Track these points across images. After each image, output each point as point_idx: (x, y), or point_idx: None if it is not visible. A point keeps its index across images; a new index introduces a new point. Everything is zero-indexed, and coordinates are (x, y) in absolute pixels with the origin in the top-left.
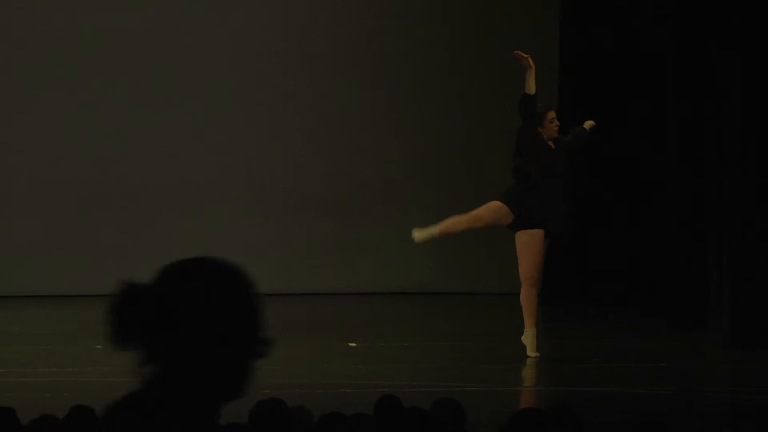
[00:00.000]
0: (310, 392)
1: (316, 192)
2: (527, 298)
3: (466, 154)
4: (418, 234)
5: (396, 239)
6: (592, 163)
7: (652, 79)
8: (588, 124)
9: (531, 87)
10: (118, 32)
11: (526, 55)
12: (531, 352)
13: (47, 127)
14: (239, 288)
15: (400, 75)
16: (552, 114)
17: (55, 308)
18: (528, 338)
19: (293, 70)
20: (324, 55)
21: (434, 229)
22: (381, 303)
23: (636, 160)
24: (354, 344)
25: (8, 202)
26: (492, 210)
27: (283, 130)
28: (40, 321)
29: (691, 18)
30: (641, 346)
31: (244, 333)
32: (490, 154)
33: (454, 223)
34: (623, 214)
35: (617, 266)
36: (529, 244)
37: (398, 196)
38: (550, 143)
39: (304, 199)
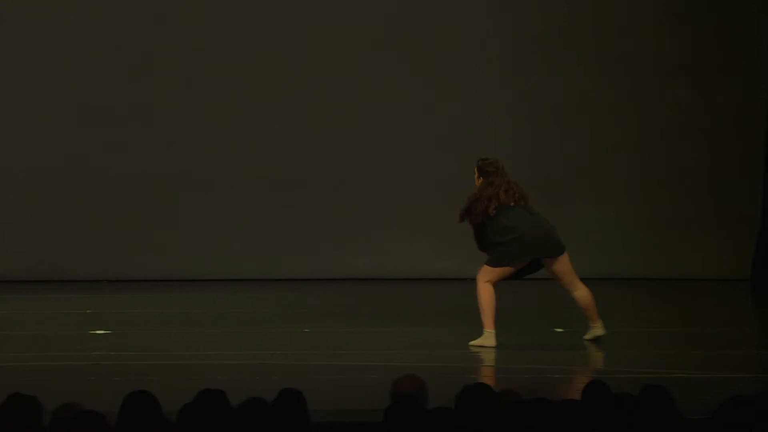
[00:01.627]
0: (518, 377)
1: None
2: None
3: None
4: (475, 343)
5: (600, 224)
6: None
7: None
8: None
9: None
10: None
11: None
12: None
13: (247, 116)
14: None
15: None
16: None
17: (255, 292)
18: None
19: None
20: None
21: (488, 337)
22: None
23: None
24: (560, 330)
25: (210, 189)
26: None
27: (496, 115)
28: (241, 304)
29: None
30: None
31: None
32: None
33: (485, 310)
34: None
35: None
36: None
37: (604, 181)
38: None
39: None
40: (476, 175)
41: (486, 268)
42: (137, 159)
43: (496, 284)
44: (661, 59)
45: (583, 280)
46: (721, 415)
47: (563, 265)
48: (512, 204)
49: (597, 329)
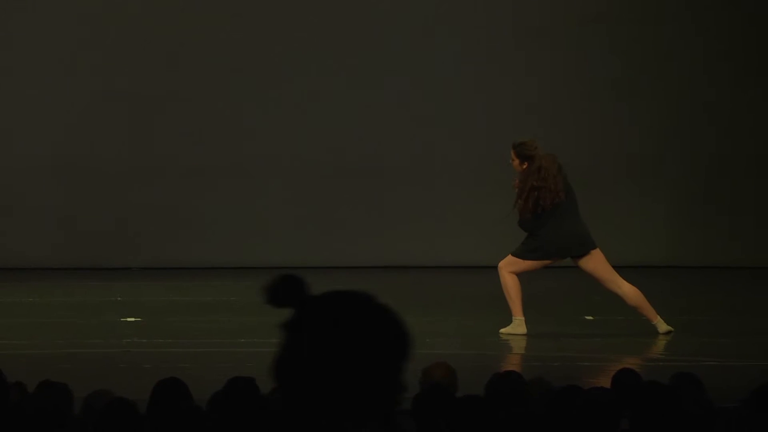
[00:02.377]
0: (548, 365)
1: None
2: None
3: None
4: (505, 331)
5: (635, 212)
6: None
7: None
8: None
9: None
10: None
11: None
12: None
13: (274, 106)
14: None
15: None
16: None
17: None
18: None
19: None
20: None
21: (518, 325)
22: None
23: None
24: (591, 318)
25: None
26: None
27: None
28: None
29: None
30: None
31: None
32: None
33: (513, 298)
34: None
35: None
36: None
37: (638, 170)
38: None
39: None
40: (516, 161)
41: (512, 259)
42: (167, 148)
43: (520, 274)
44: (705, 49)
45: (618, 268)
46: (751, 403)
47: (597, 263)
48: (561, 196)
49: (660, 326)
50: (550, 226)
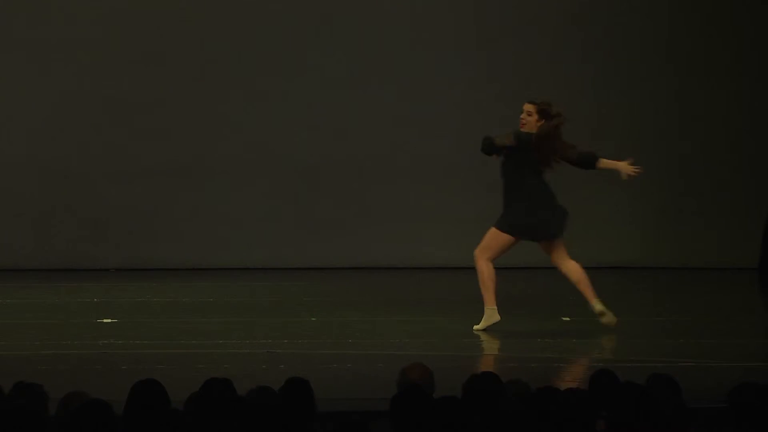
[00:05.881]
0: (525, 366)
1: None
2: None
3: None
4: (478, 327)
5: (609, 212)
6: None
7: None
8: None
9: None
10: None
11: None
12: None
13: (267, 106)
14: None
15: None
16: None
17: (263, 281)
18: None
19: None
20: None
21: (491, 315)
22: (596, 277)
23: None
24: (567, 318)
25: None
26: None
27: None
28: (251, 293)
29: None
30: None
31: None
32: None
33: (489, 287)
34: None
35: None
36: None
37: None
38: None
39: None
40: (535, 117)
41: (490, 237)
42: (143, 148)
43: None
44: (676, 51)
45: (592, 269)
46: (728, 403)
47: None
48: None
49: (596, 306)
50: (525, 205)
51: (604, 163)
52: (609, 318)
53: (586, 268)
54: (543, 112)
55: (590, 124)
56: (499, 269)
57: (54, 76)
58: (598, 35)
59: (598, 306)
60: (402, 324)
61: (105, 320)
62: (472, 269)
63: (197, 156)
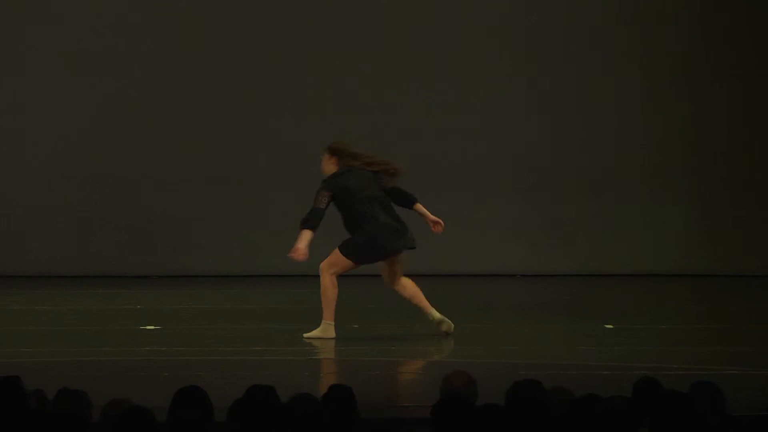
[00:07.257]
0: (567, 373)
1: (571, 172)
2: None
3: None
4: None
5: (652, 220)
6: None
7: None
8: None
9: None
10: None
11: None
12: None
13: (293, 112)
14: None
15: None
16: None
17: (303, 287)
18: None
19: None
20: None
21: (327, 329)
22: (636, 285)
23: None
24: (611, 326)
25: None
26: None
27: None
28: (291, 300)
29: None
30: None
31: None
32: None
33: (330, 301)
34: None
35: None
36: None
37: (654, 179)
38: None
39: (555, 180)
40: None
41: (336, 258)
42: (185, 156)
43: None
44: (722, 60)
45: (632, 276)
46: None
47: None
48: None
49: (433, 315)
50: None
51: None
52: (447, 325)
53: (626, 276)
54: (334, 152)
55: (632, 130)
56: (531, 276)
57: (96, 86)
58: (645, 40)
59: (436, 315)
60: (453, 331)
61: (147, 327)
62: (512, 276)
63: (236, 164)
